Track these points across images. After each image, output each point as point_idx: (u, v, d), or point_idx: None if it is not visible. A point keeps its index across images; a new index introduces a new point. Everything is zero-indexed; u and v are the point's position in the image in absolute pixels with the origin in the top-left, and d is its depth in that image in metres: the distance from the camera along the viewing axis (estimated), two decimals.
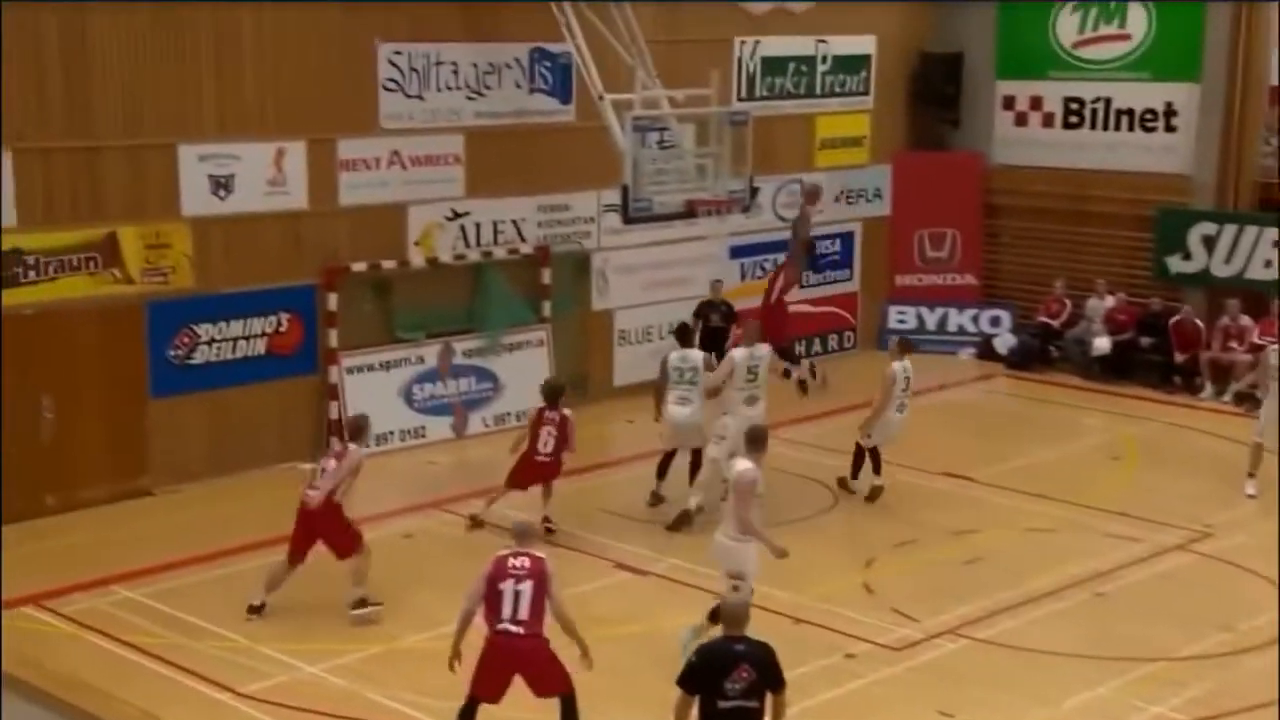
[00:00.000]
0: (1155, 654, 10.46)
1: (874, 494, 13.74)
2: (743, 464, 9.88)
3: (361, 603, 10.89)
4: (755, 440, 10.11)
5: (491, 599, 8.38)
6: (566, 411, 12.49)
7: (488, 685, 8.45)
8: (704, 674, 7.14)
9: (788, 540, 10.31)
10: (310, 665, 10.15)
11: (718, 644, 7.27)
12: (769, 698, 7.25)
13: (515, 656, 8.35)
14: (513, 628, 8.30)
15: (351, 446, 10.94)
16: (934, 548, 12.65)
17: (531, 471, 12.58)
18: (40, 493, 13.10)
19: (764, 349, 13.41)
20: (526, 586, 8.31)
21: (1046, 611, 11.28)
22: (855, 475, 13.95)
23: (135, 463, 13.72)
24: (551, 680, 8.48)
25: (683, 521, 12.79)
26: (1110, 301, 18.82)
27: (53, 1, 12.79)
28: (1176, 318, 18.33)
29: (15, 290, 12.91)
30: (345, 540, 10.87)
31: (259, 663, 10.18)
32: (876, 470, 13.85)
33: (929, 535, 12.91)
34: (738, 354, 13.23)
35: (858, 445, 13.88)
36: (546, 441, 12.40)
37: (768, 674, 7.20)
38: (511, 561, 8.43)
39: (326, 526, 10.82)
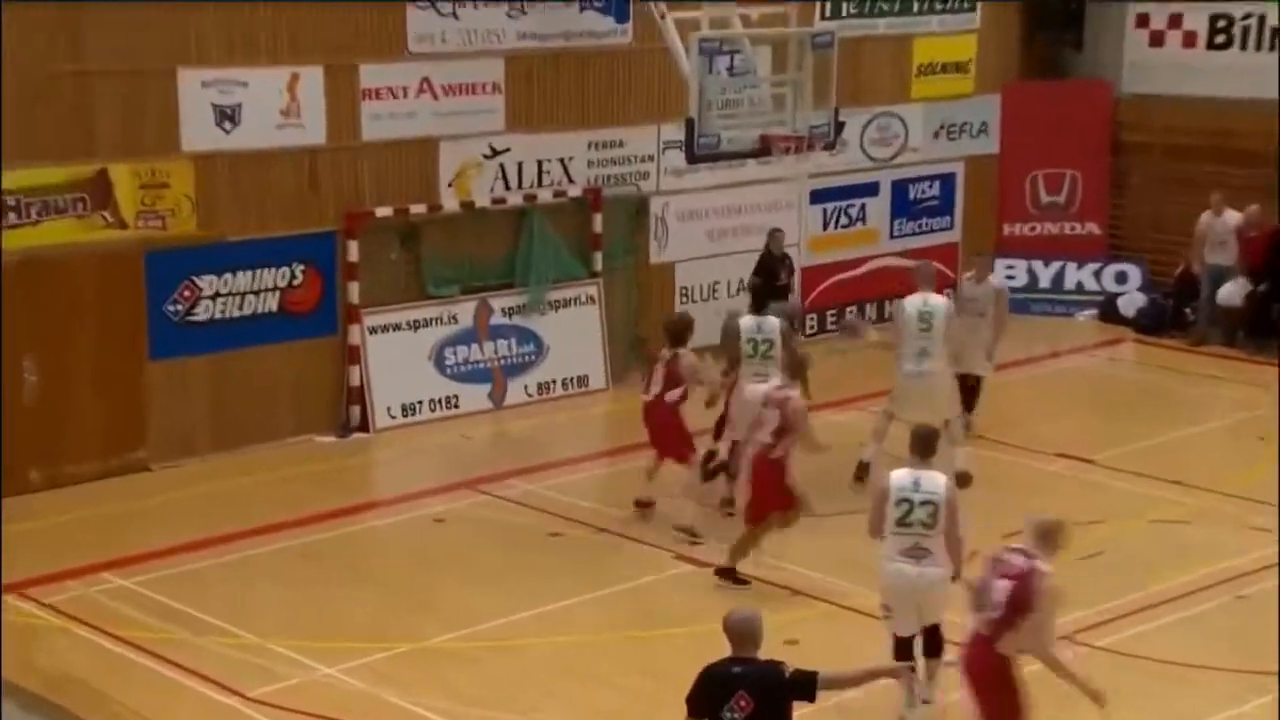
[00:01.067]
0: None
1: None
2: (940, 476, 9.73)
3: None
4: (925, 444, 9.81)
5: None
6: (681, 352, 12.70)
7: None
8: (703, 698, 7.07)
9: None
10: (327, 666, 10.26)
11: (717, 666, 7.13)
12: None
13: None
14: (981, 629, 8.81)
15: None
16: None
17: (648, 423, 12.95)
18: (24, 467, 13.33)
19: (938, 298, 13.76)
20: (1004, 585, 8.56)
21: (1178, 617, 11.21)
22: (971, 409, 14.73)
23: (131, 433, 13.93)
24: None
25: (863, 472, 13.33)
26: (1233, 218, 18.28)
27: None
28: None
29: None
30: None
31: (270, 662, 10.31)
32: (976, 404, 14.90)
33: None
34: (908, 303, 13.59)
35: (964, 379, 14.57)
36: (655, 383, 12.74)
37: (772, 700, 6.98)
38: (1008, 556, 8.74)
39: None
